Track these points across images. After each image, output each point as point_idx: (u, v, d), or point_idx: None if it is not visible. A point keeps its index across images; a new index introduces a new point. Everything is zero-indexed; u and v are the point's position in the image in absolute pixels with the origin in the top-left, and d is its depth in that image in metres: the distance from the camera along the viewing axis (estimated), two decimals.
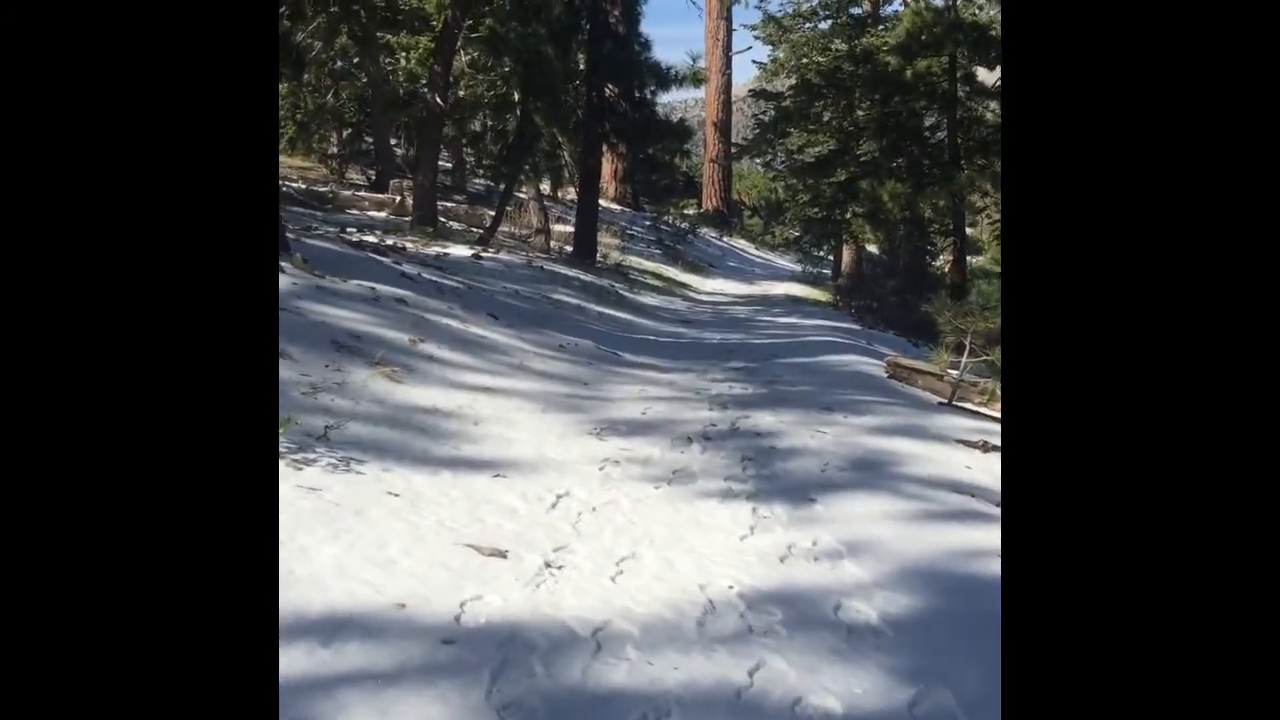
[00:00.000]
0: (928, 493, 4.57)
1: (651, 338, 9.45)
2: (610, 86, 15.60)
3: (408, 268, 8.66)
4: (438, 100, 12.76)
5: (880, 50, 15.90)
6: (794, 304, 16.05)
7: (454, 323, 6.84)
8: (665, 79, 15.17)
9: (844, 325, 12.69)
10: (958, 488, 4.66)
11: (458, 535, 3.51)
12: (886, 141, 15.58)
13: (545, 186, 22.06)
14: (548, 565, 3.36)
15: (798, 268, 25.38)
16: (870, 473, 4.81)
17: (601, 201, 25.09)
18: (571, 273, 12.91)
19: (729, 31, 30.54)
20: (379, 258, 8.68)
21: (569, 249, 15.97)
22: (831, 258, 23.91)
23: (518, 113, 15.06)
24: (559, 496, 4.09)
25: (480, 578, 3.17)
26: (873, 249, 21.21)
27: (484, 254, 12.15)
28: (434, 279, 8.48)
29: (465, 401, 5.22)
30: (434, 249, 11.81)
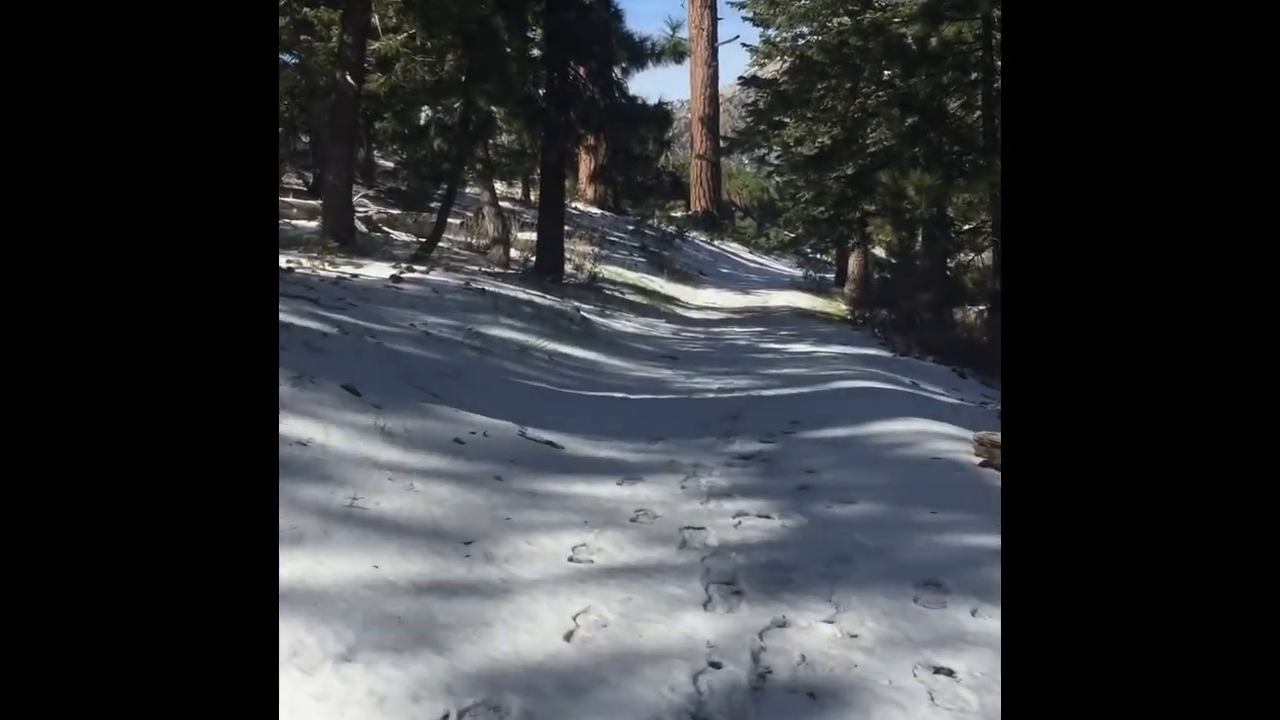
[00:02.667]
0: None
1: (619, 395, 6.45)
2: (575, 66, 12.62)
3: None
4: (348, 79, 9.74)
5: (893, 22, 12.94)
6: (801, 320, 13.09)
7: None
8: (640, 53, 12.16)
9: (871, 352, 9.72)
10: None
11: None
12: (908, 125, 12.57)
13: (508, 188, 19.06)
14: None
15: (797, 272, 22.39)
16: None
17: (578, 205, 22.08)
18: (525, 294, 9.91)
19: (714, 21, 27.64)
20: None
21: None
22: (834, 262, 20.91)
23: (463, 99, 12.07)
24: None
25: None
26: (879, 252, 18.29)
27: (409, 274, 9.15)
28: (290, 321, 5.48)
29: None
30: (344, 269, 8.83)
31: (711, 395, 6.64)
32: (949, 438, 5.30)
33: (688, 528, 3.59)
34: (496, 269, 12.59)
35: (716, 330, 11.51)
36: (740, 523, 3.69)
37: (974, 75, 11.98)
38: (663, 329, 11.08)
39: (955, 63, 11.70)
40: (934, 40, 11.47)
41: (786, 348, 9.75)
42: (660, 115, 12.79)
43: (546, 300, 10.02)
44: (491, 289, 9.46)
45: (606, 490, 4.04)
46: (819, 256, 21.67)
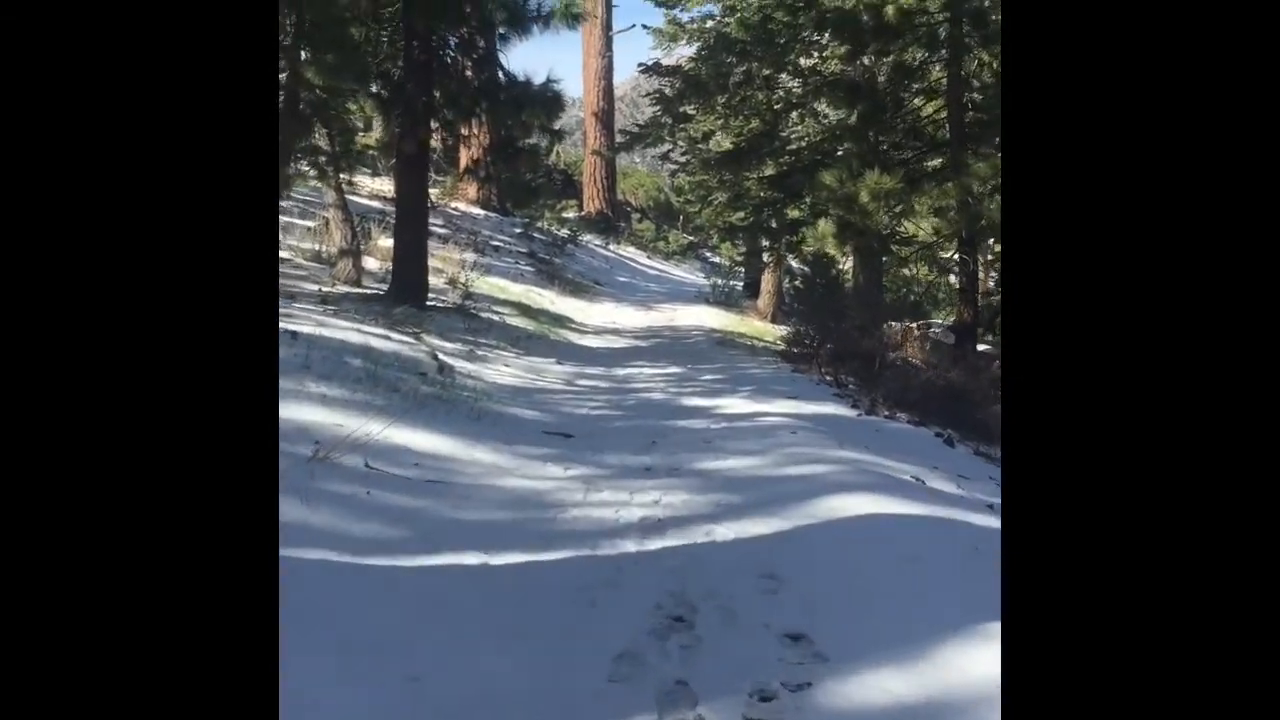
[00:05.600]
0: None
1: (473, 563, 3.47)
2: (441, 33, 9.59)
3: None
4: None
5: None
6: (722, 351, 10.32)
7: None
8: (521, 16, 9.18)
9: (830, 411, 6.98)
10: None
11: None
12: (857, 114, 9.84)
13: (348, 183, 15.89)
14: None
15: (700, 279, 19.68)
16: None
17: (458, 205, 18.95)
18: (363, 332, 6.88)
19: (608, 7, 24.61)
20: None
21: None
22: (745, 272, 18.19)
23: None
24: None
25: None
26: (795, 264, 15.57)
27: None
28: None
29: None
30: None
31: (632, 547, 3.76)
32: None
33: None
34: (343, 287, 9.52)
35: (622, 373, 8.63)
36: None
37: (941, 53, 9.30)
38: (553, 375, 8.16)
39: (923, 38, 8.97)
40: (890, 8, 8.76)
41: (719, 405, 6.94)
42: (548, 97, 9.81)
43: (393, 342, 7.01)
44: (309, 330, 6.41)
45: None
46: (725, 264, 18.94)
